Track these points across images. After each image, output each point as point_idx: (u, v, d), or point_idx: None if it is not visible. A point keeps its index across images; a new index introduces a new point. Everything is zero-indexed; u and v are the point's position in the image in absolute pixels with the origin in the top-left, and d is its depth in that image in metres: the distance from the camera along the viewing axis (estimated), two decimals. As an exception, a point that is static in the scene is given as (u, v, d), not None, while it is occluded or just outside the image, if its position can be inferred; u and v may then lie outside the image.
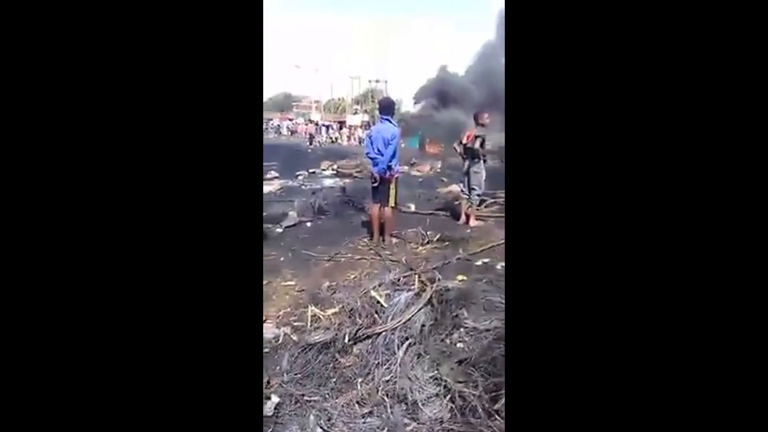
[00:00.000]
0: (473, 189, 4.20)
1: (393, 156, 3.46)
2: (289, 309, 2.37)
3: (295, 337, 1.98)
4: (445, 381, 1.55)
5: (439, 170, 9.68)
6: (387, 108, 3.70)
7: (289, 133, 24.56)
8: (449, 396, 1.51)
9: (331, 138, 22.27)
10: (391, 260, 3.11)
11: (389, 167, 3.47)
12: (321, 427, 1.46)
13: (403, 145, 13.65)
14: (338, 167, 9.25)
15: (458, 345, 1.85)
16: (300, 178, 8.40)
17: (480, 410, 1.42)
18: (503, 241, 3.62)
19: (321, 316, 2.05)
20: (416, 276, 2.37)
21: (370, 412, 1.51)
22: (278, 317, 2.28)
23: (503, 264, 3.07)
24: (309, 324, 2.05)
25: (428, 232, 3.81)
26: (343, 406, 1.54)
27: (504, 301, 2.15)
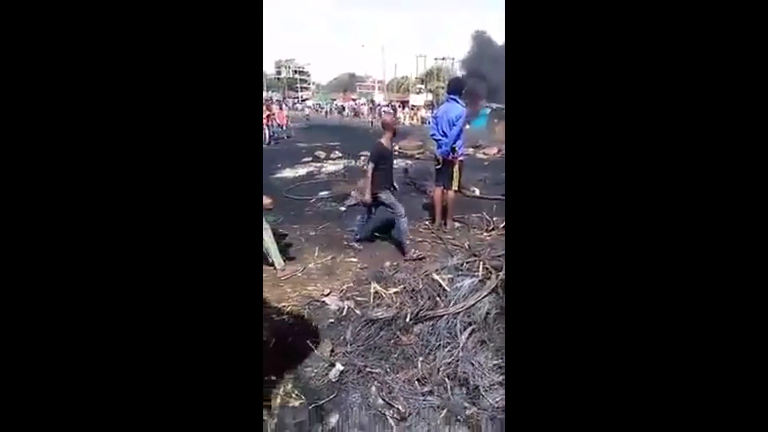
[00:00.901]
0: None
1: (457, 137, 3.33)
2: (351, 284, 2.47)
3: (358, 311, 2.07)
4: (510, 371, 1.51)
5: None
6: (456, 87, 3.53)
7: (353, 113, 24.97)
8: (513, 387, 1.47)
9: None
10: (453, 245, 3.06)
11: (453, 149, 3.36)
12: (383, 399, 1.52)
13: (468, 127, 13.01)
14: (400, 148, 9.21)
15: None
16: (363, 158, 8.54)
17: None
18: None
19: (383, 294, 2.10)
20: (481, 262, 2.30)
21: (431, 391, 1.53)
22: (342, 291, 2.39)
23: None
24: (372, 300, 2.11)
25: (494, 218, 3.66)
26: (403, 381, 1.58)
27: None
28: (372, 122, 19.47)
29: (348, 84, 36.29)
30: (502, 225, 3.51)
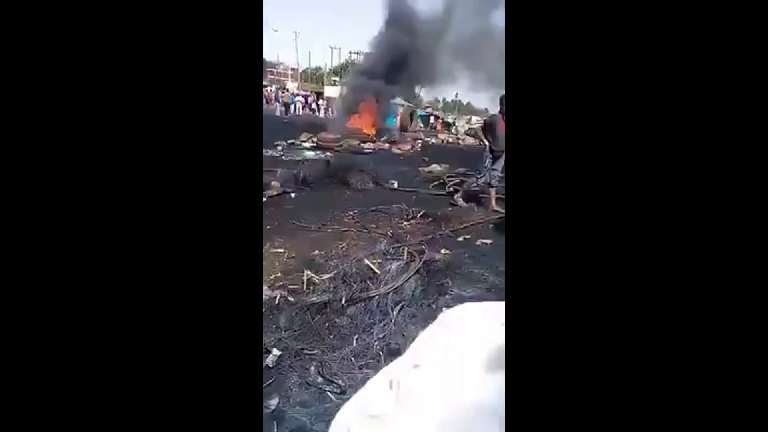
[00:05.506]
0: (495, 175, 4.35)
1: None
2: (280, 274, 2.45)
3: (291, 299, 2.09)
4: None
5: (419, 149, 9.79)
6: None
7: (264, 101, 23.54)
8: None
9: (309, 108, 21.65)
10: (377, 233, 3.24)
11: None
12: (322, 377, 1.60)
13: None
14: (319, 140, 9.12)
15: (444, 309, 2.03)
16: (279, 148, 8.22)
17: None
18: (481, 219, 3.85)
19: (317, 280, 2.16)
20: (404, 248, 2.52)
21: (366, 364, 1.66)
22: (270, 281, 2.36)
23: (482, 240, 3.29)
24: (305, 287, 2.15)
25: (412, 209, 3.96)
26: (341, 358, 1.68)
27: (485, 274, 2.36)
28: (286, 110, 18.60)
29: (257, 69, 33.86)
30: (420, 214, 3.83)
